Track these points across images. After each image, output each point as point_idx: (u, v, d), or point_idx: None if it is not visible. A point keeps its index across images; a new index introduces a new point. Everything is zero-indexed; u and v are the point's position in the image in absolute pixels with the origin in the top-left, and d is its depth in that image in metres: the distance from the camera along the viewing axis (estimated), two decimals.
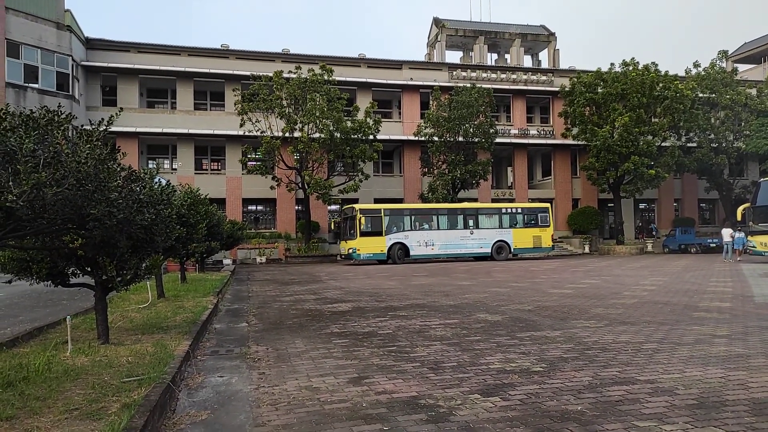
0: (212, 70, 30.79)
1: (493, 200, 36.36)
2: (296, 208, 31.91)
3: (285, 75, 27.41)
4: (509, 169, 39.47)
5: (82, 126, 5.25)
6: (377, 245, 25.35)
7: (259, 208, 33.71)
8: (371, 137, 28.22)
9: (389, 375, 4.95)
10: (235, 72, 30.82)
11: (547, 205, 30.62)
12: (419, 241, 26.23)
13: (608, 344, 6.11)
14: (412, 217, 26.87)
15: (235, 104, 27.90)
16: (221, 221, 16.45)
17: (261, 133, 26.89)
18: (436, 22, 41.18)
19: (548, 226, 29.14)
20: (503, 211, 28.67)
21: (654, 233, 35.60)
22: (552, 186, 37.00)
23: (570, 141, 34.22)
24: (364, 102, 31.17)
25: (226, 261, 25.89)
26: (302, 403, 4.16)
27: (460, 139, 30.16)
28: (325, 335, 7.07)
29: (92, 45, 29.72)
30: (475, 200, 35.95)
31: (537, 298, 10.79)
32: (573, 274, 17.04)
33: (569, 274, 17.35)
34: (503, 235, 27.84)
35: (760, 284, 12.80)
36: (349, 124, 27.36)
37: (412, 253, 26.10)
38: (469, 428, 3.53)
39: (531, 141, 35.77)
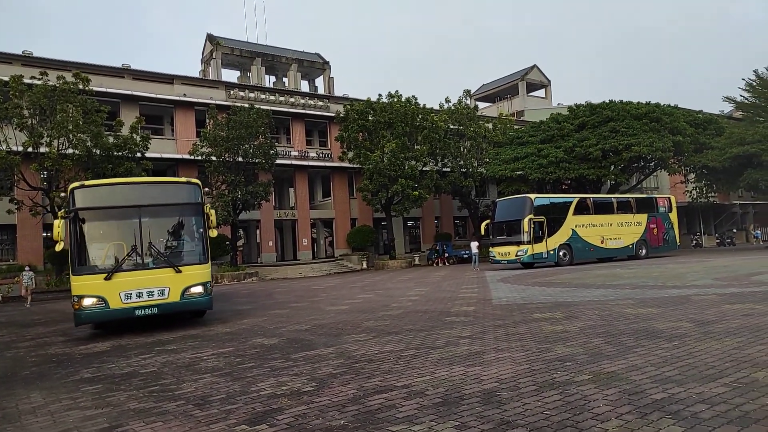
0: None
1: (276, 221, 36.49)
2: (44, 234, 27.26)
3: (27, 81, 23.40)
4: (291, 190, 40.02)
5: None
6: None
7: None
8: (139, 155, 25.79)
9: (147, 419, 4.48)
10: None
11: None
12: None
13: (374, 355, 6.53)
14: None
15: None
16: None
17: None
18: (211, 39, 39.92)
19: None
20: None
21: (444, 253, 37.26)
22: (332, 206, 38.62)
23: (346, 164, 36.22)
24: (130, 116, 28.38)
25: None
26: None
27: (240, 159, 29.53)
28: (73, 383, 6.11)
29: None
30: (258, 222, 35.60)
31: (315, 316, 11.03)
32: (351, 291, 17.91)
33: (347, 290, 18.20)
34: None
35: (498, 288, 15.18)
36: (111, 139, 24.56)
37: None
38: None
39: (311, 163, 36.88)
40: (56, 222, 9.91)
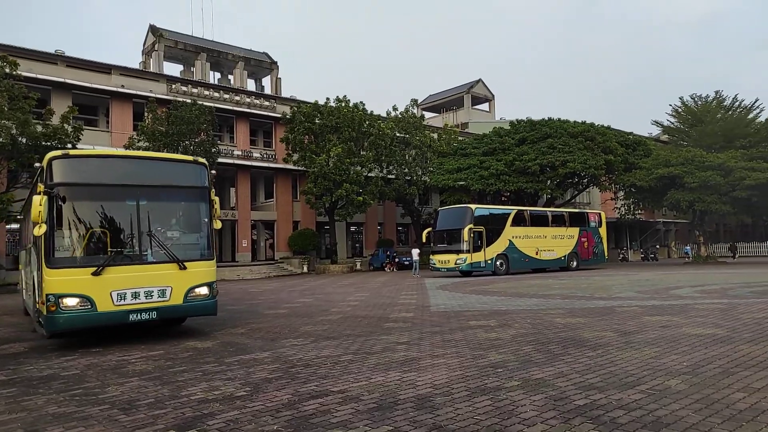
0: None
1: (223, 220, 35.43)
2: None
3: None
4: (232, 189, 39.10)
5: None
6: None
7: None
8: (69, 146, 24.42)
9: (68, 424, 4.26)
10: None
11: None
12: None
13: (311, 360, 6.50)
14: None
15: None
16: None
17: None
18: (153, 30, 38.53)
19: None
20: None
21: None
22: (274, 208, 38.03)
23: (291, 166, 35.81)
24: (61, 105, 26.89)
25: None
26: None
27: None
28: None
29: None
30: None
31: (252, 320, 10.83)
32: (290, 294, 17.68)
33: (286, 294, 17.96)
34: None
35: (436, 296, 15.44)
36: (39, 128, 23.18)
37: None
38: None
39: (254, 163, 36.19)
40: (36, 198, 7.42)
